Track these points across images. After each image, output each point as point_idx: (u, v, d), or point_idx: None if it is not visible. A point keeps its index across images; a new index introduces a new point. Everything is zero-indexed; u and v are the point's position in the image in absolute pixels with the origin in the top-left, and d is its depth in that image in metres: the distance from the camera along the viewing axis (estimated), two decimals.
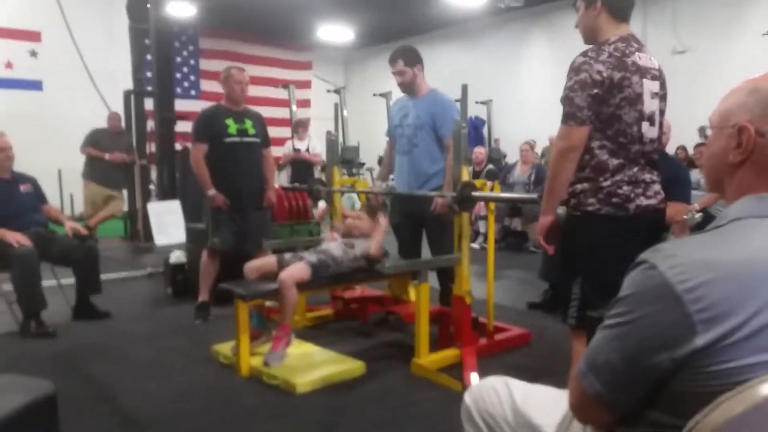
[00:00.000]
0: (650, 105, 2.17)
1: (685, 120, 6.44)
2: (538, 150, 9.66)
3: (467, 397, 1.44)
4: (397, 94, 3.89)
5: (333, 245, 3.41)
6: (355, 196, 5.95)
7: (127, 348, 3.57)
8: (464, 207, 3.01)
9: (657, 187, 2.24)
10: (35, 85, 10.35)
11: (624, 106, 2.10)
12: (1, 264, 3.91)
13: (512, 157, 10.28)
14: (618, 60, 2.10)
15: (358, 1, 11.46)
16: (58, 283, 4.35)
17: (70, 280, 4.29)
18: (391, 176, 4.13)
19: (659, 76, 2.24)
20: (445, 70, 10.17)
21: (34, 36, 10.30)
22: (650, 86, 2.16)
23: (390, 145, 4.00)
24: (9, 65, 10.27)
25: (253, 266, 3.41)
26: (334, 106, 4.59)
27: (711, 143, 1.09)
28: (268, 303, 3.92)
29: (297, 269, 3.14)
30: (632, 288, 0.94)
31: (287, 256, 3.41)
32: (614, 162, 2.13)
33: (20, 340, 3.73)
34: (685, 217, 4.25)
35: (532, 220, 7.06)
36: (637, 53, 2.16)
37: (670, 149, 5.00)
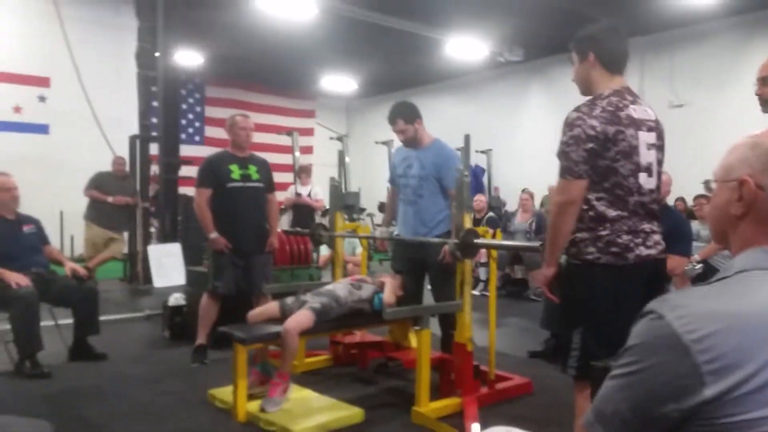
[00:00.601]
0: (647, 156, 2.19)
1: (683, 172, 6.50)
2: (537, 199, 9.73)
3: None
4: (399, 142, 3.95)
5: (339, 285, 3.41)
6: (356, 241, 5.95)
7: (122, 390, 3.52)
8: (467, 254, 3.03)
9: (657, 237, 2.24)
10: (42, 129, 10.49)
11: (619, 159, 2.12)
12: (1, 304, 3.90)
13: (512, 205, 10.34)
14: (611, 114, 2.13)
15: (361, 52, 11.74)
16: (55, 324, 4.31)
17: (67, 320, 4.25)
18: (393, 222, 4.16)
19: (656, 127, 2.26)
20: (446, 120, 10.33)
21: (43, 81, 10.50)
22: (646, 138, 2.19)
23: (393, 192, 4.04)
24: (17, 110, 10.43)
25: (255, 314, 3.41)
26: (338, 153, 4.66)
27: (715, 196, 1.11)
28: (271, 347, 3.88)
29: (302, 317, 3.11)
30: (640, 338, 0.94)
31: (289, 301, 3.39)
32: (612, 213, 2.14)
33: (14, 380, 3.68)
34: (685, 268, 4.26)
35: (534, 267, 7.06)
36: (631, 106, 2.18)
37: (669, 200, 5.05)
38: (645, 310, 0.97)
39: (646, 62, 10.30)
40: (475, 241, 3.00)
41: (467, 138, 3.15)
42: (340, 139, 10.34)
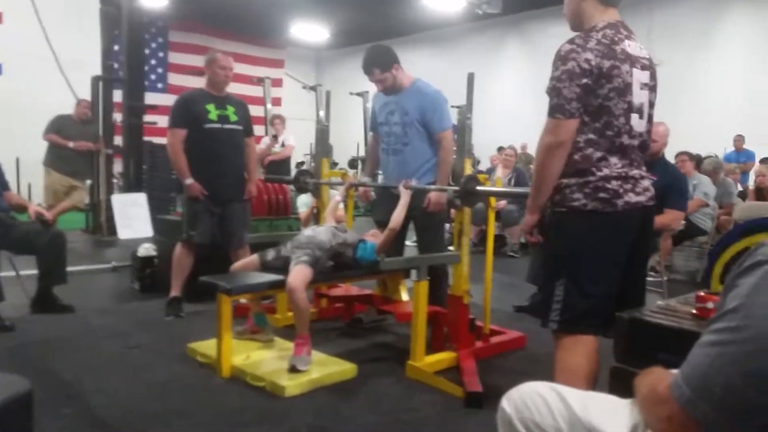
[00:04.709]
0: (640, 96, 2.02)
1: None
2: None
3: (506, 405, 1.29)
4: (374, 92, 3.71)
5: (320, 230, 3.17)
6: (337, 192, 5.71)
7: (92, 343, 3.30)
8: (467, 202, 2.86)
9: (646, 183, 2.10)
10: None
11: (613, 97, 1.95)
12: None
13: (484, 164, 10.22)
14: (607, 47, 1.95)
15: (334, 0, 11.30)
16: (16, 274, 4.02)
17: (30, 271, 3.97)
18: (378, 172, 3.96)
19: (649, 66, 2.10)
20: (420, 74, 10.07)
21: None
22: (640, 76, 2.02)
23: (374, 140, 3.82)
24: None
25: (237, 267, 3.22)
26: (316, 96, 4.41)
27: None
28: (243, 300, 3.67)
29: (301, 272, 2.88)
30: (755, 295, 0.75)
31: (269, 256, 3.16)
32: (599, 155, 1.98)
33: None
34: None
35: (510, 224, 6.99)
36: (626, 41, 2.01)
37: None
38: (756, 259, 0.79)
39: (623, 20, 10.22)
40: (478, 188, 2.83)
41: (471, 77, 2.95)
42: (313, 88, 9.96)
